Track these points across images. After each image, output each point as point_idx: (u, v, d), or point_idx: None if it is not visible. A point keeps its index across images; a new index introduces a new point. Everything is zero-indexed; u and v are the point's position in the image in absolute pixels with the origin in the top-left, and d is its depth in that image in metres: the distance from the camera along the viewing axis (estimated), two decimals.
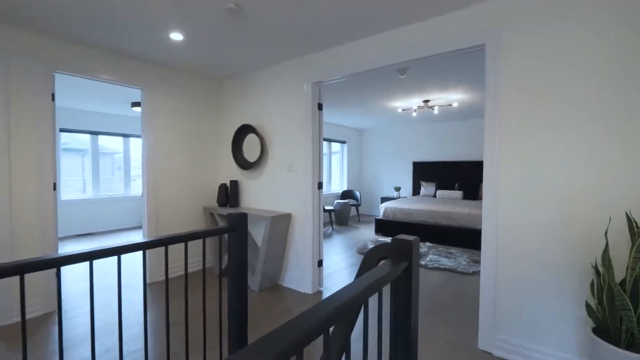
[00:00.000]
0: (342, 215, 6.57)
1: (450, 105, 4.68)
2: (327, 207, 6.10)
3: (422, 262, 3.90)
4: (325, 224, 6.59)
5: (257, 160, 3.36)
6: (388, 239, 5.18)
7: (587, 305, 1.57)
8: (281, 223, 3.07)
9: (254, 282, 3.07)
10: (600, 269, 1.54)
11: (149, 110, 3.26)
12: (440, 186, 6.58)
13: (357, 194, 7.29)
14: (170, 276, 3.41)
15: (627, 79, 1.61)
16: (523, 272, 1.94)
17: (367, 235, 5.65)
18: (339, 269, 3.77)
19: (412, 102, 4.80)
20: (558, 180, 1.82)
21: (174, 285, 3.20)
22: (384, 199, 7.41)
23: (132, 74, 3.14)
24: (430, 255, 4.23)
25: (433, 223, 5.07)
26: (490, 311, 2.06)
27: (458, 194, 6.12)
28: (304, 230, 3.03)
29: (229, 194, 3.57)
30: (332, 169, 7.50)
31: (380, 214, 5.69)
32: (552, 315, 1.83)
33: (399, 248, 1.15)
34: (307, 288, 3.01)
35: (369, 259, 1.33)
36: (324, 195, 7.29)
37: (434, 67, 3.36)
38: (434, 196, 6.54)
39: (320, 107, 3.07)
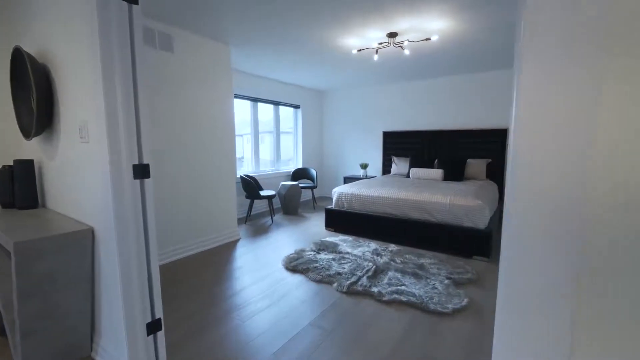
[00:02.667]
0: (290, 201, 5.02)
1: (427, 39, 3.04)
2: (264, 193, 4.53)
3: (375, 289, 2.43)
4: (264, 214, 5.04)
5: (37, 119, 1.68)
6: (339, 238, 3.70)
7: None
8: (70, 249, 1.48)
9: None
10: None
11: None
12: (415, 163, 5.08)
13: (313, 172, 5.73)
14: None
15: None
16: None
17: (315, 230, 4.15)
18: (244, 302, 2.26)
19: (371, 37, 3.14)
20: None
21: None
22: (347, 179, 5.89)
23: None
24: (391, 272, 2.76)
25: (401, 216, 3.59)
26: None
27: (437, 173, 4.65)
28: (111, 264, 1.45)
29: (15, 184, 1.92)
30: (280, 141, 5.86)
31: (333, 202, 4.17)
32: None
33: None
34: None
35: None
36: (267, 174, 5.70)
37: None
38: (407, 176, 5.06)
39: None
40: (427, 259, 3.06)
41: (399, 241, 3.57)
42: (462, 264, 2.94)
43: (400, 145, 5.61)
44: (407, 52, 3.17)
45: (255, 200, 5.16)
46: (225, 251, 3.37)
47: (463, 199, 3.26)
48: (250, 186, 4.39)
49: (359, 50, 3.35)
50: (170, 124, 3.00)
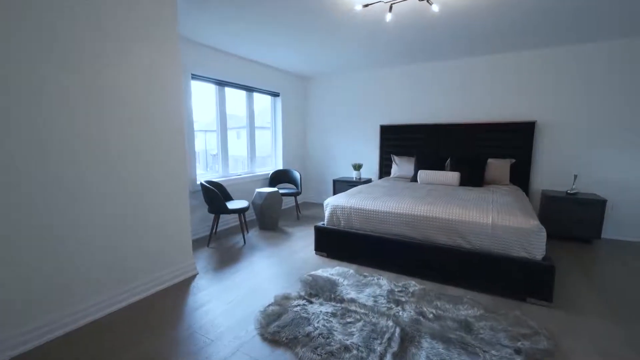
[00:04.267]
0: (268, 213, 3.95)
1: None
2: (233, 206, 3.43)
3: None
4: (234, 231, 3.91)
5: None
6: (336, 271, 2.69)
7: None
8: None
9: None
10: None
11: None
12: (422, 163, 4.15)
13: (297, 175, 4.68)
14: None
15: None
16: None
17: (302, 256, 3.12)
18: None
19: None
20: None
21: None
22: (337, 183, 4.89)
23: None
24: (426, 340, 1.78)
25: (422, 240, 2.63)
26: None
27: (453, 177, 3.74)
28: None
29: None
30: (256, 138, 4.75)
31: (325, 217, 3.15)
32: None
33: None
34: None
35: None
36: (239, 179, 4.47)
37: None
38: (414, 179, 4.12)
39: None
40: (468, 307, 2.11)
41: (420, 274, 2.61)
42: (520, 316, 2.01)
43: (402, 141, 4.67)
44: (435, 7, 2.17)
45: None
46: (171, 300, 2.27)
47: (511, 218, 2.34)
48: (214, 197, 3.27)
49: (366, 5, 2.32)
50: (73, 111, 1.85)
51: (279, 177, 4.79)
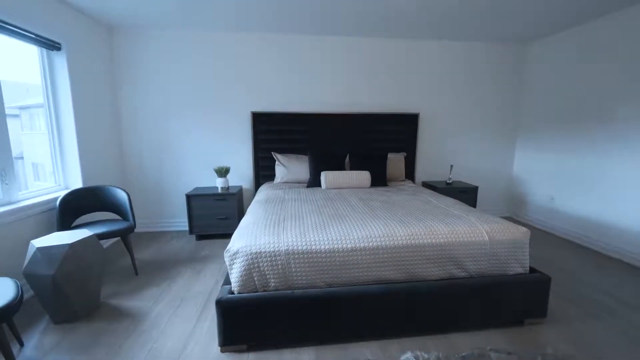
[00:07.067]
0: (76, 286, 1.86)
1: None
2: None
3: None
4: None
5: None
6: None
7: None
8: None
9: None
10: None
11: None
12: (321, 163, 3.27)
13: (122, 195, 2.64)
14: None
15: None
16: None
17: None
18: None
19: None
20: None
21: None
22: (194, 198, 3.21)
23: None
24: None
25: (406, 280, 1.76)
26: None
27: (364, 177, 3.09)
28: None
29: None
30: (8, 133, 2.27)
31: (233, 277, 1.66)
32: None
33: None
34: None
35: None
36: None
37: None
38: (313, 184, 3.18)
39: None
40: None
41: (412, 330, 1.75)
42: (553, 354, 1.56)
43: (285, 135, 3.57)
44: None
45: None
46: None
47: (501, 228, 1.88)
48: None
49: None
50: None
51: (79, 206, 2.56)
